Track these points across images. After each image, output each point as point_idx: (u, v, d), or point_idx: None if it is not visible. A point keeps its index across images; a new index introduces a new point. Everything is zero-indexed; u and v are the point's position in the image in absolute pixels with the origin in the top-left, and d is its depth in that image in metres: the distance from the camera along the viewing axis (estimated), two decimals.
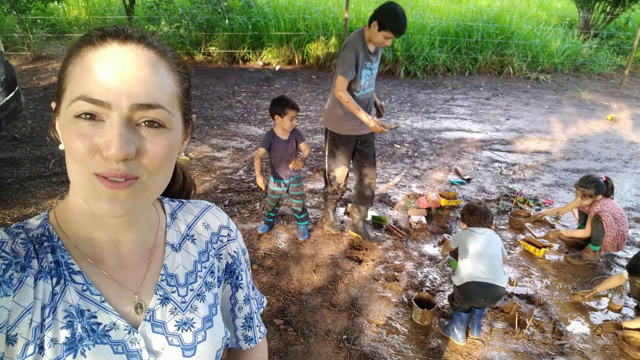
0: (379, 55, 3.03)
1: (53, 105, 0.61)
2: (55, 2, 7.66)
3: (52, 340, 0.58)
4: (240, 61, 8.50)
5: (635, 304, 2.85)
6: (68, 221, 0.65)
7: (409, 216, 3.67)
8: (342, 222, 3.63)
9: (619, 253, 3.39)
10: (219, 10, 8.26)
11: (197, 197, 3.96)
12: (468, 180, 4.47)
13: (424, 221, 3.60)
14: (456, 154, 5.11)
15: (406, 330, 2.58)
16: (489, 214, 2.57)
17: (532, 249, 3.32)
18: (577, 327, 2.66)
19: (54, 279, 0.60)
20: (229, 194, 3.94)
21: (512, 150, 5.31)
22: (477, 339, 2.53)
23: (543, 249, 3.28)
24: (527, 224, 3.69)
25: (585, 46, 9.60)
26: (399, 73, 8.19)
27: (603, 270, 3.23)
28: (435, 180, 4.45)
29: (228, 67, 8.27)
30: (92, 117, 0.54)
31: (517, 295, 2.90)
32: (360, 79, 2.90)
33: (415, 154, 5.06)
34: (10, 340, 0.55)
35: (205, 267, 0.76)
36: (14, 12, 7.35)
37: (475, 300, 2.38)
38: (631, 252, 3.38)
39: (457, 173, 4.62)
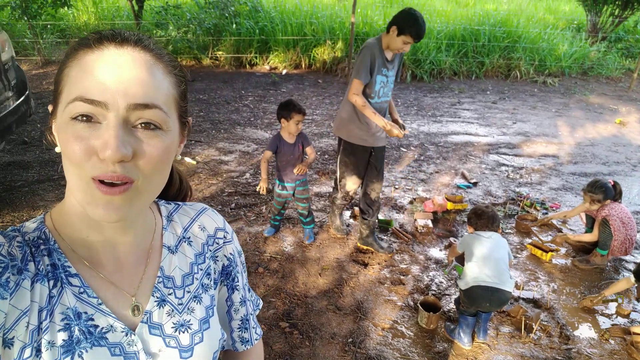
0: (396, 65, 2.97)
1: (50, 108, 0.61)
2: (65, 8, 7.76)
3: (49, 343, 0.58)
4: (248, 65, 8.55)
5: None
6: (64, 224, 0.65)
7: (415, 220, 3.67)
8: (348, 225, 3.64)
9: (627, 257, 3.36)
10: (227, 15, 8.32)
11: (204, 200, 3.97)
12: (474, 184, 4.46)
13: (430, 225, 3.60)
14: (463, 158, 5.09)
15: (412, 333, 2.57)
16: (495, 218, 2.56)
17: (539, 253, 3.31)
18: (584, 331, 2.64)
19: (51, 282, 0.60)
20: (236, 197, 3.96)
21: (519, 154, 5.29)
22: (483, 343, 2.52)
23: (550, 253, 3.26)
24: (534, 228, 3.67)
25: (593, 49, 9.53)
26: (406, 77, 8.19)
27: (611, 275, 3.20)
28: (442, 184, 4.45)
29: (235, 72, 8.32)
30: (88, 119, 0.54)
31: (523, 299, 2.89)
32: (374, 84, 2.85)
33: (422, 158, 5.06)
34: (7, 343, 0.55)
35: (201, 269, 0.76)
36: (25, 18, 7.46)
37: (481, 304, 2.37)
38: (639, 257, 3.36)
39: (464, 177, 4.61)
